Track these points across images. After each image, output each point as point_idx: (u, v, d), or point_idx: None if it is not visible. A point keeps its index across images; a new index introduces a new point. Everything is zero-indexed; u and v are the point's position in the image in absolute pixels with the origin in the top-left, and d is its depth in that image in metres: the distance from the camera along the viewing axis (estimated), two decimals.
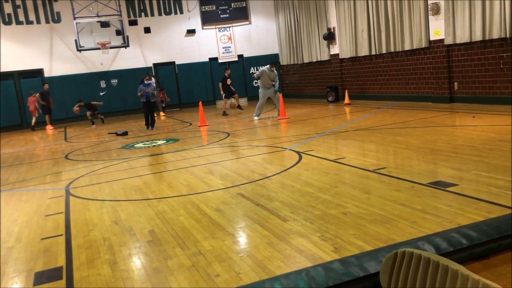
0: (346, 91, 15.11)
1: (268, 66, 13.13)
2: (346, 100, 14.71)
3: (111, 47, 17.50)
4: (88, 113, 16.27)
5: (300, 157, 7.15)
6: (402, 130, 8.73)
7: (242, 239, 4.05)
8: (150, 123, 13.53)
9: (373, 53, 14.29)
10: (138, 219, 4.86)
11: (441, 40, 11.65)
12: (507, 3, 9.67)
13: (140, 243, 4.17)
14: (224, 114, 15.37)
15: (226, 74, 15.74)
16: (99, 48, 17.18)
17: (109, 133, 13.39)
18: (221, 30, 20.45)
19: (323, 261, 3.36)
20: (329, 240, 3.72)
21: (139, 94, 13.18)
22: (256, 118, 13.15)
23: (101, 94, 19.24)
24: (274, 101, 13.44)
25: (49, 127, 16.57)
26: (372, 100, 14.65)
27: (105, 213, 5.27)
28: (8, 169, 9.07)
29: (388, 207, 4.37)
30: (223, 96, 15.97)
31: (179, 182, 6.50)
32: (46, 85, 16.61)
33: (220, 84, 15.99)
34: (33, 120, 16.72)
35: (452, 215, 3.97)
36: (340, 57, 16.10)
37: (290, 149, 7.96)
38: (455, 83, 11.56)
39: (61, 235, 4.64)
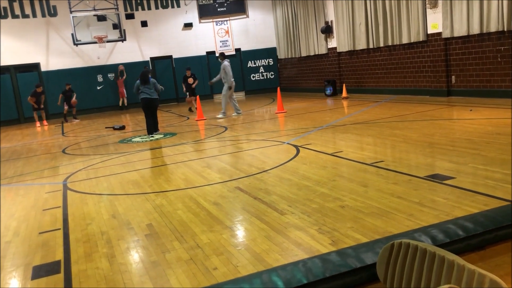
0: (344, 84, 15.10)
1: (227, 60, 12.95)
2: (344, 93, 14.70)
3: (108, 41, 17.44)
4: (66, 108, 16.36)
5: (298, 151, 7.16)
6: (399, 123, 8.74)
7: (240, 233, 4.06)
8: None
9: (371, 46, 14.26)
10: (136, 213, 4.87)
11: (439, 34, 11.64)
12: None
13: (138, 236, 4.18)
14: (190, 110, 15.57)
15: (187, 74, 15.58)
16: (96, 42, 17.13)
17: (106, 128, 13.37)
18: (218, 24, 20.38)
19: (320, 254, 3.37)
20: (326, 233, 3.73)
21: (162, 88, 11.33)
22: (223, 116, 12.89)
23: (98, 88, 19.19)
24: (232, 96, 13.09)
25: (37, 124, 16.31)
26: (370, 93, 14.64)
27: (102, 207, 5.27)
28: (6, 163, 9.05)
29: (385, 200, 4.39)
30: (187, 94, 15.93)
31: (177, 176, 6.50)
32: (40, 87, 16.14)
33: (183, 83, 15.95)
34: (121, 101, 19.04)
35: (449, 208, 3.98)
36: (337, 50, 16.06)
37: (288, 143, 7.96)
38: (453, 77, 11.56)
39: (59, 229, 4.64)
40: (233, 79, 12.99)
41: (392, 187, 4.76)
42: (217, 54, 20.33)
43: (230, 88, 12.92)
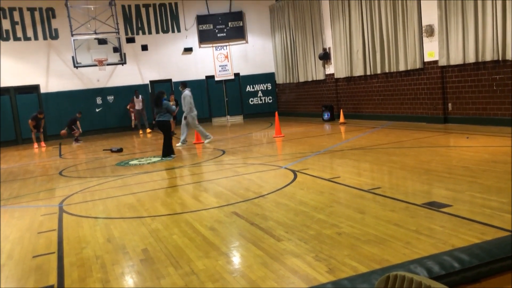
0: (341, 110, 15.20)
1: (188, 89, 12.53)
2: (341, 119, 14.80)
3: (108, 64, 17.58)
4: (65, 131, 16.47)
5: (295, 176, 7.16)
6: (396, 150, 8.77)
7: (236, 259, 4.03)
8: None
9: (368, 73, 14.42)
10: (132, 237, 4.83)
11: (435, 62, 11.80)
12: (499, 26, 9.83)
13: (133, 261, 4.14)
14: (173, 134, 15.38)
15: (170, 99, 15.35)
16: (96, 65, 17.26)
17: (104, 150, 13.37)
18: (218, 49, 20.63)
19: (317, 282, 3.34)
20: (323, 261, 3.71)
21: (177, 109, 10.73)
22: (209, 140, 12.71)
23: (97, 110, 19.26)
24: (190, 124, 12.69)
25: (35, 145, 16.27)
26: (367, 119, 14.73)
27: (98, 230, 5.23)
28: (2, 185, 9.01)
29: (382, 227, 4.37)
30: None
31: (173, 199, 6.48)
32: (42, 114, 16.17)
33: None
34: (133, 123, 18.77)
35: (446, 236, 3.97)
36: (335, 76, 16.23)
37: (285, 168, 7.97)
38: (449, 104, 11.67)
39: (53, 252, 4.60)
40: (192, 107, 12.41)
41: (389, 214, 4.76)
42: (216, 78, 20.68)
43: (193, 117, 12.42)
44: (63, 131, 16.42)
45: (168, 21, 20.09)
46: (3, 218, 6.29)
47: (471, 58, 10.67)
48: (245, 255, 4.06)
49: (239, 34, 20.59)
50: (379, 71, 13.89)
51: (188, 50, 20.28)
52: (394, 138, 10.39)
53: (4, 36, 17.81)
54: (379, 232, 4.25)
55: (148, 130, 18.51)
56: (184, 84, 12.89)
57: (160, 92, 10.79)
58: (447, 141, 9.46)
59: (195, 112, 12.59)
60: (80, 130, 16.70)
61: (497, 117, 10.32)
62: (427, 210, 4.80)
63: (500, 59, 9.97)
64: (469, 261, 1.65)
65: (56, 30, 18.52)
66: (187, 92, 12.44)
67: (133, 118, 18.89)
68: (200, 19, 20.25)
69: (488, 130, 9.97)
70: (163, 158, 10.47)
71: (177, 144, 12.51)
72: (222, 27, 20.42)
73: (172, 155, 10.57)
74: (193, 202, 6.17)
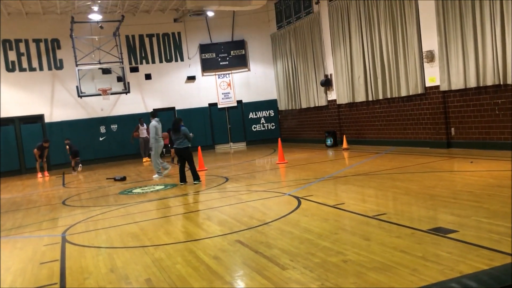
0: (344, 136, 15.22)
1: (157, 119, 12.13)
2: (344, 145, 14.80)
3: (112, 93, 17.74)
4: (73, 161, 16.73)
5: (299, 203, 7.11)
6: (400, 175, 8.73)
7: None
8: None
9: (370, 99, 14.49)
10: (135, 267, 4.78)
11: (437, 87, 11.86)
12: (499, 51, 9.92)
13: None
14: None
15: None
16: (100, 94, 17.43)
17: (107, 179, 13.36)
18: (220, 77, 20.86)
19: None
20: None
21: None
22: (161, 176, 12.26)
23: (101, 139, 19.35)
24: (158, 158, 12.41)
25: (39, 175, 16.30)
26: (370, 145, 14.73)
27: (101, 260, 5.18)
28: (5, 215, 8.98)
29: (388, 254, 4.31)
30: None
31: (176, 228, 6.43)
32: (47, 143, 16.29)
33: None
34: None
35: (453, 263, 3.91)
36: (337, 102, 16.32)
37: (289, 194, 7.93)
38: (452, 129, 11.67)
39: (56, 284, 4.54)
40: (159, 138, 12.08)
41: (395, 241, 4.70)
42: (219, 106, 20.82)
43: (156, 148, 12.04)
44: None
45: (172, 50, 20.40)
46: (5, 248, 6.25)
47: (472, 83, 10.73)
48: (249, 284, 4.00)
49: (241, 62, 20.85)
50: (381, 97, 13.96)
51: (191, 78, 20.52)
52: (398, 163, 10.36)
53: (10, 67, 18.08)
54: (385, 259, 4.19)
55: (147, 159, 18.32)
56: (153, 114, 12.71)
57: (178, 119, 10.94)
58: (451, 165, 9.42)
59: (161, 143, 12.26)
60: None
61: (500, 141, 10.30)
62: (433, 236, 4.74)
63: (501, 83, 10.02)
64: None
65: (61, 60, 18.80)
66: (153, 123, 12.08)
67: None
68: (203, 48, 20.56)
69: (492, 154, 9.94)
70: (195, 182, 10.52)
71: (154, 176, 12.37)
72: (225, 56, 20.71)
73: (195, 181, 10.58)
74: (196, 231, 6.12)
